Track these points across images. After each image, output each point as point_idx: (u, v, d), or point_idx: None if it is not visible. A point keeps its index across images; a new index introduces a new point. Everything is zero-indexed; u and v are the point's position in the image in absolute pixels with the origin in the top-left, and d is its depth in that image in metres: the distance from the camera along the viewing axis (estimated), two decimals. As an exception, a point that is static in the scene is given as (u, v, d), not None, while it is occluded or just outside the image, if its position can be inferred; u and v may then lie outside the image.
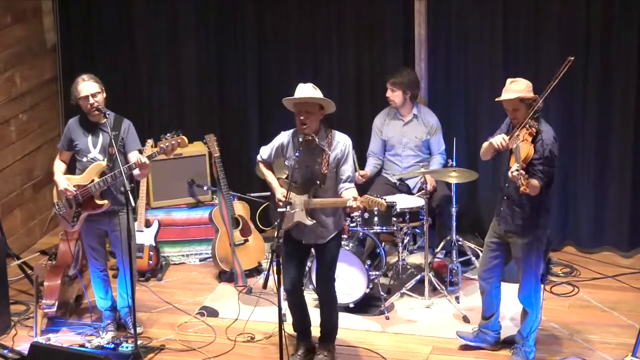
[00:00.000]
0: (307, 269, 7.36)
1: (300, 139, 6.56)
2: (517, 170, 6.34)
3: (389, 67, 8.61)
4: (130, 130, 7.12)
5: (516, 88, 6.57)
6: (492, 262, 6.89)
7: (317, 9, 8.79)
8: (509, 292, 7.22)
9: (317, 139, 6.57)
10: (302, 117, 6.52)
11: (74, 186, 7.03)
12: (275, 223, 6.45)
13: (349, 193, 6.59)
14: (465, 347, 7.11)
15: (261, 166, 6.89)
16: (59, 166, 7.20)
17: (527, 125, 6.50)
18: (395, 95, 8.15)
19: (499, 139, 6.57)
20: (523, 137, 6.48)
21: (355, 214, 7.53)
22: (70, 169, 7.24)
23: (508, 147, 6.54)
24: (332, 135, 6.64)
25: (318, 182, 6.60)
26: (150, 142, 8.16)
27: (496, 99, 6.66)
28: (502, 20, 8.40)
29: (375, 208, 6.84)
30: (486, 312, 7.05)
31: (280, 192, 6.63)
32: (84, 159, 7.09)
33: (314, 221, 6.64)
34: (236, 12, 8.91)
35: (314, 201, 6.62)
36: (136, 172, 6.99)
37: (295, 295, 6.85)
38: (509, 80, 6.65)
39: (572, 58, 6.49)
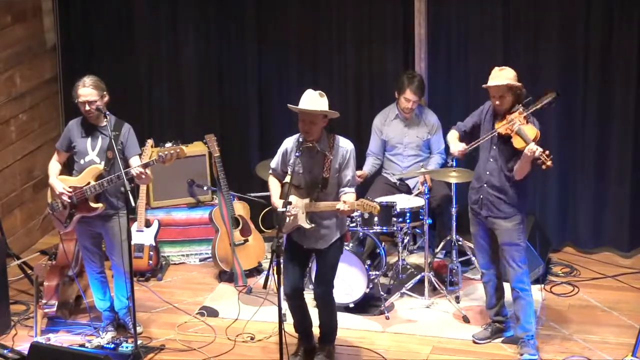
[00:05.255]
0: (307, 269, 7.36)
1: (301, 140, 6.56)
2: (536, 148, 6.48)
3: (389, 67, 8.61)
4: (130, 134, 7.07)
5: (505, 75, 6.74)
6: (487, 251, 7.02)
7: (317, 8, 8.78)
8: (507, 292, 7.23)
9: (318, 146, 6.58)
10: (305, 127, 6.53)
11: (69, 187, 7.01)
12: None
13: (346, 198, 6.60)
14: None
15: (270, 178, 6.84)
16: (54, 168, 7.13)
17: (520, 110, 6.70)
18: (415, 102, 8.10)
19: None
20: (520, 121, 6.65)
21: (355, 214, 7.54)
22: (67, 170, 7.22)
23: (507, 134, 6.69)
24: (335, 140, 6.64)
25: (320, 186, 6.61)
26: (150, 141, 8.15)
27: (483, 86, 6.78)
28: (502, 20, 8.39)
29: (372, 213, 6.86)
30: (491, 299, 7.14)
31: (278, 204, 6.53)
32: (82, 161, 7.05)
33: (313, 225, 6.65)
34: (236, 12, 8.91)
35: (314, 204, 6.62)
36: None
37: (295, 299, 6.84)
38: (496, 68, 6.81)
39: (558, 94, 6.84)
